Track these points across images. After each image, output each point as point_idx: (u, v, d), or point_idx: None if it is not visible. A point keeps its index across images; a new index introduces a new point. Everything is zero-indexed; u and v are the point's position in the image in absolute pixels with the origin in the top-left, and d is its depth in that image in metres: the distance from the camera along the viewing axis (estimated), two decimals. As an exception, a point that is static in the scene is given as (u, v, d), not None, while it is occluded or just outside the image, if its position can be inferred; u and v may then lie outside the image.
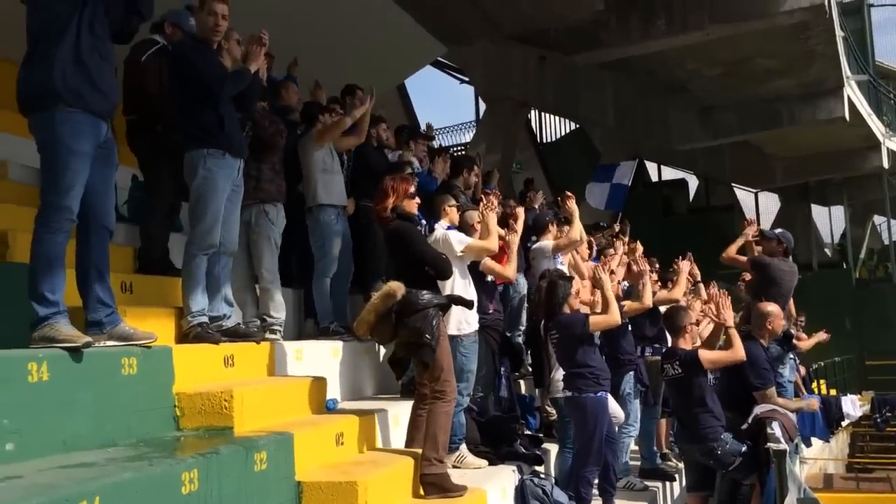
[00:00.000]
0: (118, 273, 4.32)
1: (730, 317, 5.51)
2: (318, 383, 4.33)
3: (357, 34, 10.73)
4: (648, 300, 6.33)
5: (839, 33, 15.68)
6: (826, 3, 12.95)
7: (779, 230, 7.44)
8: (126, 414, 3.16)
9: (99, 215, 3.29)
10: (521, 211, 5.80)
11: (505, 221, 5.78)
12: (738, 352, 5.35)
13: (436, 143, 8.88)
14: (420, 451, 4.08)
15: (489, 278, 5.66)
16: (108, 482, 2.43)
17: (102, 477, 2.49)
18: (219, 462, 2.90)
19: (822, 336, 9.94)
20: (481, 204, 5.30)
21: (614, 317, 5.29)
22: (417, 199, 4.53)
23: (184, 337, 4.06)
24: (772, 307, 6.05)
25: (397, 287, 4.10)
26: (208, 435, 3.35)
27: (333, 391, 4.93)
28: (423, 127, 8.86)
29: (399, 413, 4.59)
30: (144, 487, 2.54)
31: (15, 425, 2.64)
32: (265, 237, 4.98)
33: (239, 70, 4.33)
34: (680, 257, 7.27)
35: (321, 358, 5.04)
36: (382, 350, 5.78)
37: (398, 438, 4.56)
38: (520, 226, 5.54)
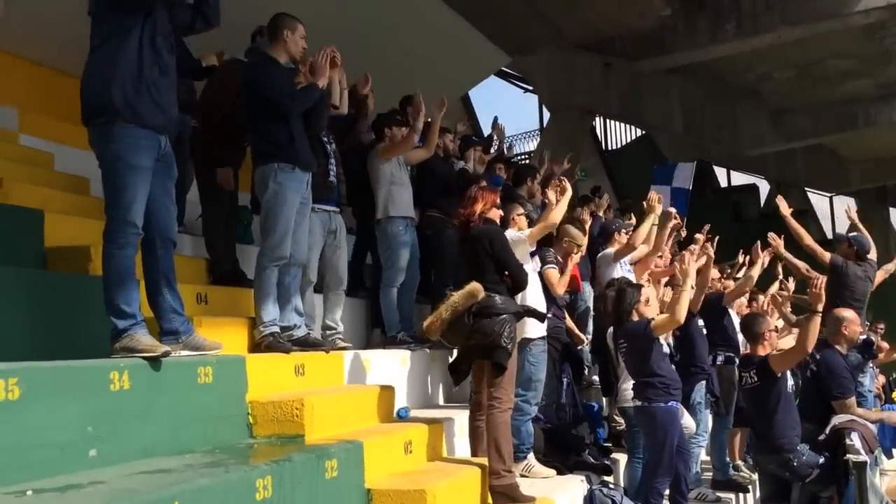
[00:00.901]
0: (194, 284, 4.48)
1: (692, 272, 5.21)
2: (387, 392, 4.38)
3: (421, 45, 10.83)
4: (680, 315, 5.16)
5: (918, 30, 15.13)
6: (904, -1, 12.51)
7: (853, 233, 7.21)
8: (202, 421, 3.25)
9: (162, 228, 3.37)
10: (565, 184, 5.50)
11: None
12: (807, 344, 5.13)
13: (497, 145, 8.75)
14: (485, 459, 4.09)
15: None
16: (186, 488, 2.51)
17: (180, 483, 2.57)
18: (291, 469, 2.96)
19: None
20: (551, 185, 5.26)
21: (678, 315, 4.98)
22: (501, 212, 4.60)
23: (256, 346, 4.16)
24: (847, 312, 5.87)
25: (479, 288, 4.12)
26: (280, 442, 3.42)
27: (401, 400, 4.98)
28: (489, 129, 8.81)
29: (466, 422, 4.60)
30: (220, 493, 2.61)
31: (98, 432, 2.74)
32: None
33: (307, 87, 4.42)
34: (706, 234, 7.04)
35: (389, 367, 5.10)
36: (448, 359, 5.82)
37: (465, 447, 4.58)
38: (563, 201, 5.09)
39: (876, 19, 13.00)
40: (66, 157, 6.39)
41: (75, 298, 3.68)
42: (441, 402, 5.76)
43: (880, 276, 7.20)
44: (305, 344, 4.36)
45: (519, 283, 4.31)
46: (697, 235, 7.05)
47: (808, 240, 6.97)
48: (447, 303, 4.10)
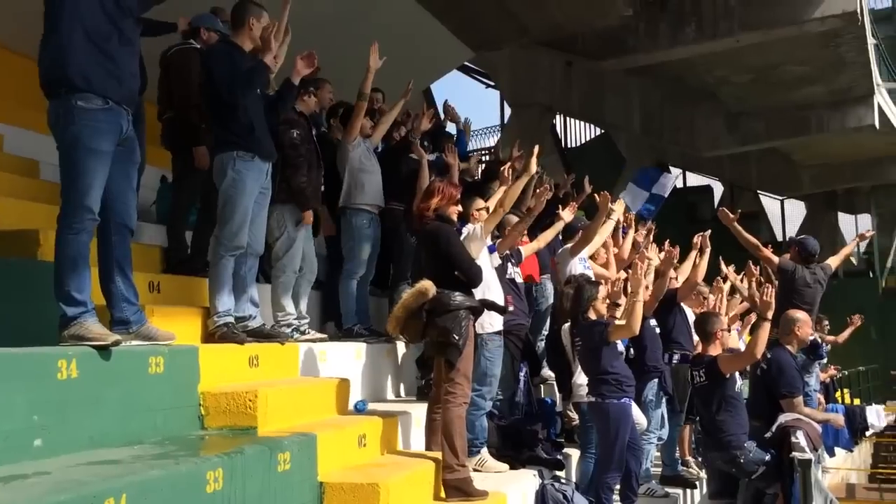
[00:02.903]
0: (146, 273, 4.40)
1: (770, 311, 5.40)
2: (342, 384, 4.36)
3: (385, 38, 10.71)
4: (635, 326, 5.21)
5: (870, 40, 15.50)
6: (858, 10, 12.80)
7: (802, 236, 7.38)
8: (152, 412, 3.20)
9: (119, 213, 3.30)
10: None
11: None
12: (756, 350, 5.28)
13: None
14: (439, 453, 4.10)
15: (509, 276, 5.67)
16: (134, 480, 2.47)
17: (129, 474, 2.52)
18: (243, 462, 2.92)
19: (855, 322, 9.84)
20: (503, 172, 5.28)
21: (634, 326, 5.14)
22: (460, 208, 4.57)
23: (210, 337, 4.11)
24: (800, 314, 6.01)
25: (429, 286, 4.13)
26: (232, 434, 3.38)
27: (356, 392, 4.97)
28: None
29: (421, 415, 4.60)
30: (170, 486, 2.57)
31: (43, 422, 2.68)
32: None
33: (254, 66, 4.32)
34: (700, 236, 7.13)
35: (344, 359, 5.08)
36: (403, 353, 5.81)
37: (420, 440, 4.58)
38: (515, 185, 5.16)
39: (831, 27, 13.30)
40: (17, 138, 6.22)
41: (23, 284, 3.59)
42: (397, 395, 5.75)
43: (835, 261, 7.29)
44: (260, 335, 4.31)
45: (471, 279, 4.30)
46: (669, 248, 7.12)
47: (758, 248, 7.08)
48: (400, 302, 4.13)
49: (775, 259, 7.08)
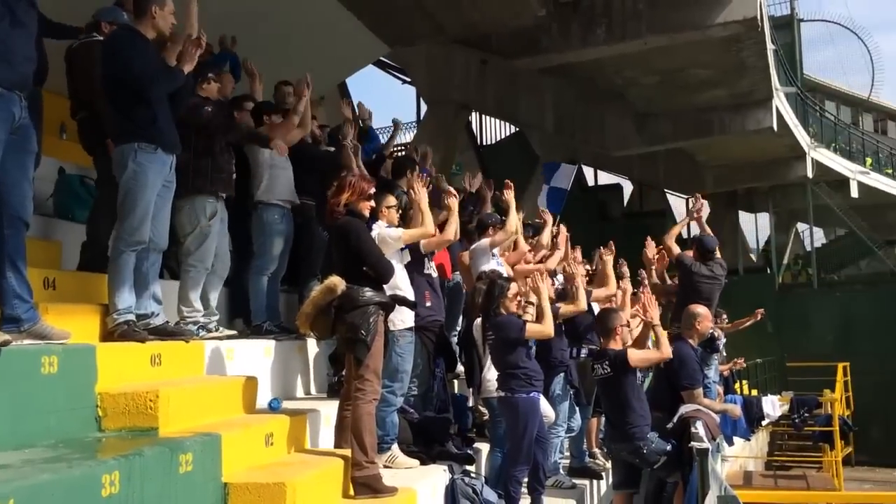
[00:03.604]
0: (41, 269, 4.20)
1: (656, 315, 5.66)
2: (250, 383, 4.27)
3: (298, 32, 10.63)
4: (583, 303, 6.37)
5: (770, 46, 16.22)
6: (759, 16, 13.37)
7: (701, 234, 7.68)
8: (45, 414, 3.07)
9: (13, 205, 3.15)
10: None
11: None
12: (665, 350, 5.50)
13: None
14: (348, 451, 4.08)
15: (427, 270, 5.69)
16: (23, 484, 2.36)
17: (17, 479, 2.41)
18: (141, 464, 2.84)
19: (757, 316, 10.31)
20: (411, 187, 5.33)
21: (549, 329, 5.28)
22: (373, 203, 4.54)
23: (109, 335, 3.96)
24: (701, 308, 6.24)
25: (338, 282, 4.10)
26: (131, 436, 3.27)
27: (265, 391, 4.89)
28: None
29: (330, 413, 4.57)
30: (62, 490, 2.47)
31: (-74, 425, 2.54)
32: None
33: (173, 70, 4.25)
34: (602, 248, 7.35)
35: (253, 357, 4.99)
36: (313, 350, 5.76)
37: (329, 439, 4.54)
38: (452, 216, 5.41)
39: (733, 33, 13.85)
40: None
41: None
42: (308, 393, 5.68)
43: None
44: (163, 333, 4.19)
45: (381, 275, 4.30)
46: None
47: (669, 235, 7.35)
48: (309, 299, 4.10)
49: (676, 250, 7.33)
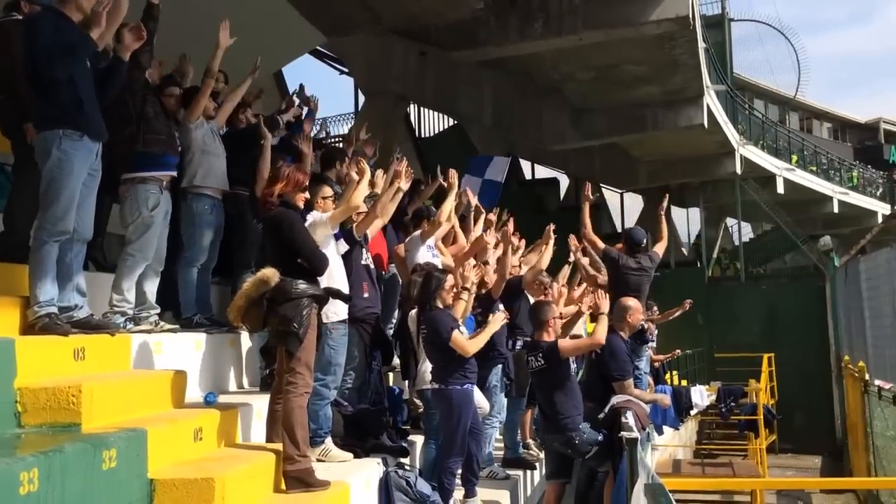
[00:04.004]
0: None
1: (606, 307, 5.73)
2: (178, 377, 4.18)
3: (233, 19, 10.41)
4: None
5: (701, 45, 16.58)
6: (690, 15, 13.65)
7: (630, 227, 7.84)
8: (-41, 410, 2.95)
9: None
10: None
11: None
12: (598, 338, 5.58)
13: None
14: (280, 445, 4.03)
15: (364, 262, 5.66)
16: (-66, 484, 2.27)
17: (-72, 478, 2.32)
18: (62, 460, 2.75)
19: (685, 306, 10.56)
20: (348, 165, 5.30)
21: (472, 349, 5.23)
22: (307, 195, 4.48)
23: (29, 328, 3.83)
24: (632, 301, 6.36)
25: (271, 274, 4.05)
26: (52, 432, 3.17)
27: (195, 385, 4.81)
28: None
29: (262, 407, 4.51)
30: (-24, 488, 2.38)
31: None
32: None
33: (74, 39, 4.05)
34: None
35: (182, 351, 4.89)
36: (246, 343, 5.67)
37: (261, 433, 4.49)
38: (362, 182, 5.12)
39: (666, 30, 14.10)
40: None
41: None
42: (241, 386, 5.59)
43: (661, 246, 7.76)
44: (87, 326, 4.07)
45: (315, 267, 4.25)
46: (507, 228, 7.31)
47: (588, 230, 7.44)
48: (241, 291, 4.03)
49: (601, 245, 7.44)
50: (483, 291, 6.55)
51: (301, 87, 8.49)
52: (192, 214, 5.56)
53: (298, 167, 4.63)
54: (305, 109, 8.34)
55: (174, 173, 5.11)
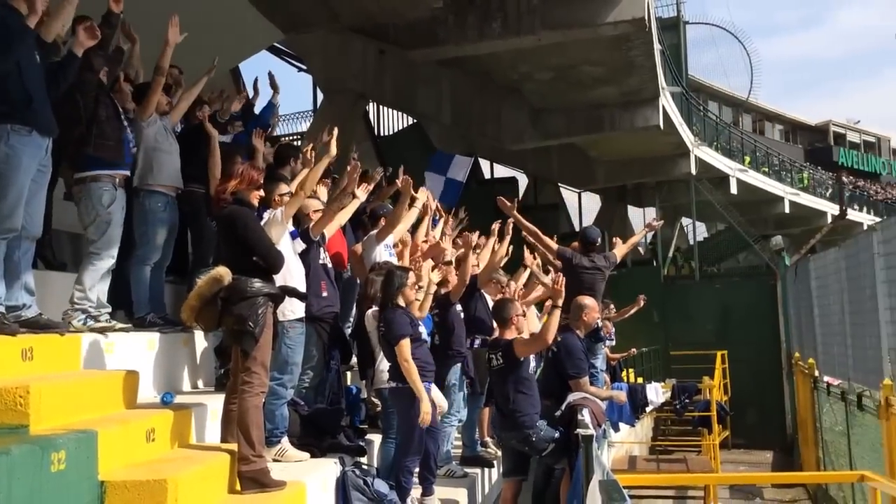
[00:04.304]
0: None
1: (561, 301, 5.75)
2: (130, 377, 4.11)
3: (190, 14, 10.25)
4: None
5: (657, 47, 16.81)
6: (646, 17, 13.82)
7: (585, 226, 7.93)
8: None
9: None
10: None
11: None
12: (548, 336, 5.61)
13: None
14: (235, 445, 3.99)
15: (322, 261, 5.64)
16: None
17: None
18: (9, 463, 2.69)
19: (640, 302, 10.70)
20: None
21: (412, 368, 5.13)
22: (262, 193, 4.44)
23: (-25, 328, 3.73)
24: (588, 300, 6.42)
25: (224, 272, 4.01)
26: (-1, 434, 3.10)
27: (148, 385, 4.74)
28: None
29: (217, 407, 4.45)
30: (-83, 493, 2.31)
31: None
32: None
33: (64, 61, 4.03)
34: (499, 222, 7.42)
35: (135, 350, 4.81)
36: (201, 343, 5.60)
37: (216, 433, 4.43)
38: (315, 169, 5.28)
39: (622, 32, 14.26)
40: None
41: None
42: (195, 386, 5.52)
43: (622, 250, 7.85)
44: (36, 325, 3.98)
45: (271, 265, 4.22)
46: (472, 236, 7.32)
47: (538, 236, 7.47)
48: (194, 290, 3.98)
49: (554, 246, 7.50)
50: (442, 292, 6.57)
51: (270, 74, 8.40)
52: (145, 212, 5.47)
53: (252, 164, 4.58)
54: (266, 101, 8.27)
55: (126, 172, 5.03)
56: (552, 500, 5.84)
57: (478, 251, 7.54)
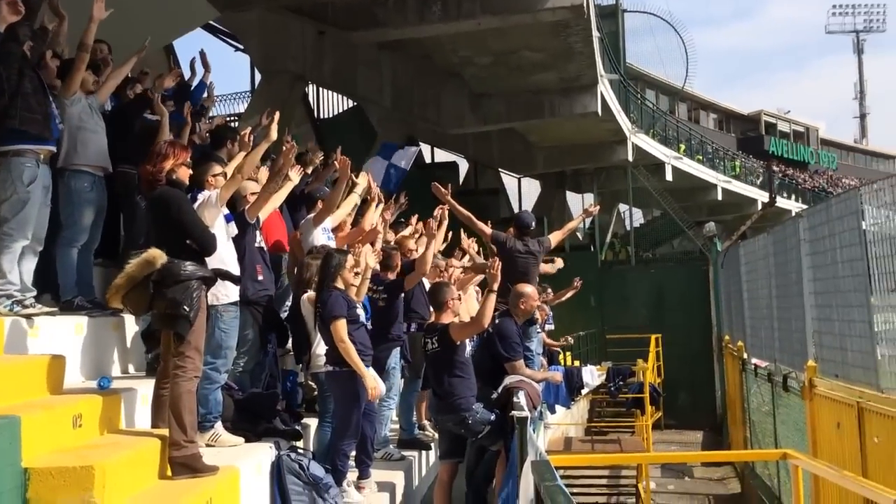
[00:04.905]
0: None
1: (496, 283, 5.77)
2: (56, 362, 3.99)
3: (121, -12, 9.96)
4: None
5: (595, 34, 17.00)
6: (585, 4, 13.96)
7: (519, 211, 8.00)
8: None
9: None
10: None
11: None
12: (483, 320, 5.65)
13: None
14: (166, 431, 3.92)
15: (258, 244, 5.56)
16: None
17: None
18: (-76, 451, 2.59)
19: (576, 285, 10.86)
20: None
21: (349, 347, 5.13)
22: (191, 171, 4.36)
23: None
24: (529, 288, 6.49)
25: (157, 255, 3.91)
26: (-85, 421, 2.98)
27: (76, 370, 4.62)
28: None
29: (148, 392, 4.36)
30: None
31: None
32: None
33: None
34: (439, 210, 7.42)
35: (62, 334, 4.66)
36: (132, 327, 5.47)
37: (146, 419, 4.34)
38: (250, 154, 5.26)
39: (561, 18, 14.40)
40: None
41: None
42: (125, 371, 5.39)
43: (557, 236, 7.94)
44: (-46, 309, 3.83)
45: (204, 248, 4.14)
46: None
47: (472, 221, 7.50)
48: (123, 272, 3.87)
49: (488, 230, 7.55)
50: (391, 277, 6.59)
51: (201, 52, 8.19)
52: (70, 192, 5.30)
53: (179, 142, 4.47)
54: (197, 80, 8.09)
55: (53, 148, 4.85)
56: (482, 477, 5.91)
57: (416, 236, 7.55)
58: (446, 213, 7.21)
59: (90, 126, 5.38)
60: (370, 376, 5.16)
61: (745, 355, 12.62)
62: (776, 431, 10.27)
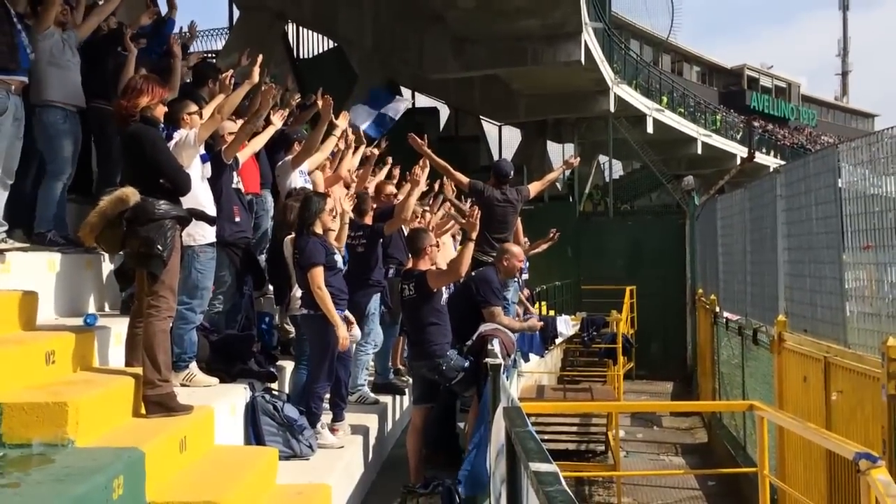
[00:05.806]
0: None
1: (474, 232, 5.77)
2: (27, 297, 3.94)
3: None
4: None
5: (581, -21, 16.73)
6: (571, -51, 13.71)
7: (497, 160, 7.97)
8: None
9: None
10: None
11: None
12: (461, 268, 5.66)
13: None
14: (140, 369, 3.92)
15: (235, 185, 5.50)
16: None
17: None
18: None
19: (551, 236, 10.90)
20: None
21: (325, 295, 5.13)
22: (166, 108, 4.29)
23: None
24: (516, 248, 6.52)
25: (130, 193, 3.86)
26: None
27: (49, 307, 4.58)
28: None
29: (121, 331, 4.34)
30: None
31: None
32: None
33: None
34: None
35: (34, 271, 4.61)
36: (106, 266, 5.42)
37: (119, 357, 4.33)
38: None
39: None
40: None
41: None
42: (100, 309, 5.35)
43: (536, 186, 7.91)
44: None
45: (178, 187, 4.09)
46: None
47: (449, 171, 7.46)
48: (96, 209, 3.80)
49: (465, 180, 7.51)
50: (367, 221, 6.57)
51: None
52: (45, 126, 5.21)
53: (155, 78, 4.36)
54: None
55: (23, 79, 4.71)
56: (445, 420, 6.03)
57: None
58: (427, 163, 7.15)
59: (62, 62, 5.26)
60: (342, 325, 5.16)
61: (718, 309, 12.78)
62: (744, 384, 10.48)
